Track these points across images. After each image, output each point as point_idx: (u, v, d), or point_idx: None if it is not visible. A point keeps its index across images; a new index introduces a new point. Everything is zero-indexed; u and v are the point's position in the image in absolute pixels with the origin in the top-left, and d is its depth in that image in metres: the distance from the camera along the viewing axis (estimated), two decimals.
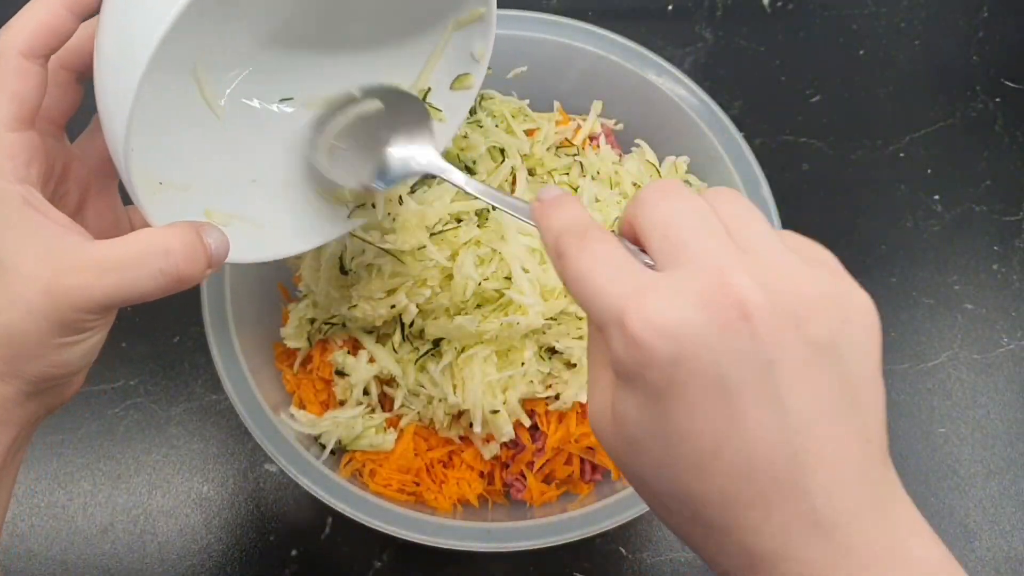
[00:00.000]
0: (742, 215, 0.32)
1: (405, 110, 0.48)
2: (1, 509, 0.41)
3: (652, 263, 0.32)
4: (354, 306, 0.58)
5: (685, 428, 0.29)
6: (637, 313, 0.29)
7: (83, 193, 0.43)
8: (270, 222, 0.48)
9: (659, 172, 0.66)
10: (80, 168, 0.43)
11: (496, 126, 0.64)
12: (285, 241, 0.49)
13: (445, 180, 0.45)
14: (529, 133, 0.66)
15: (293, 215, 0.49)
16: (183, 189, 0.44)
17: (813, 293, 0.30)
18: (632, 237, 0.33)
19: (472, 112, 0.65)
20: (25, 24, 0.36)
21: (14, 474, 0.41)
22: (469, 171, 0.61)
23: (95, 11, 0.38)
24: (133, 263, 0.36)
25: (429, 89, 0.52)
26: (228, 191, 0.47)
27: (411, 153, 0.47)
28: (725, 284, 0.29)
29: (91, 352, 0.39)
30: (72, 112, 0.42)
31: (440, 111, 0.52)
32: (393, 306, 0.57)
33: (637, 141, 0.68)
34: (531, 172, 0.63)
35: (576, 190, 0.61)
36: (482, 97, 0.66)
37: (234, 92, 0.48)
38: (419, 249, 0.56)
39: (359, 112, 0.48)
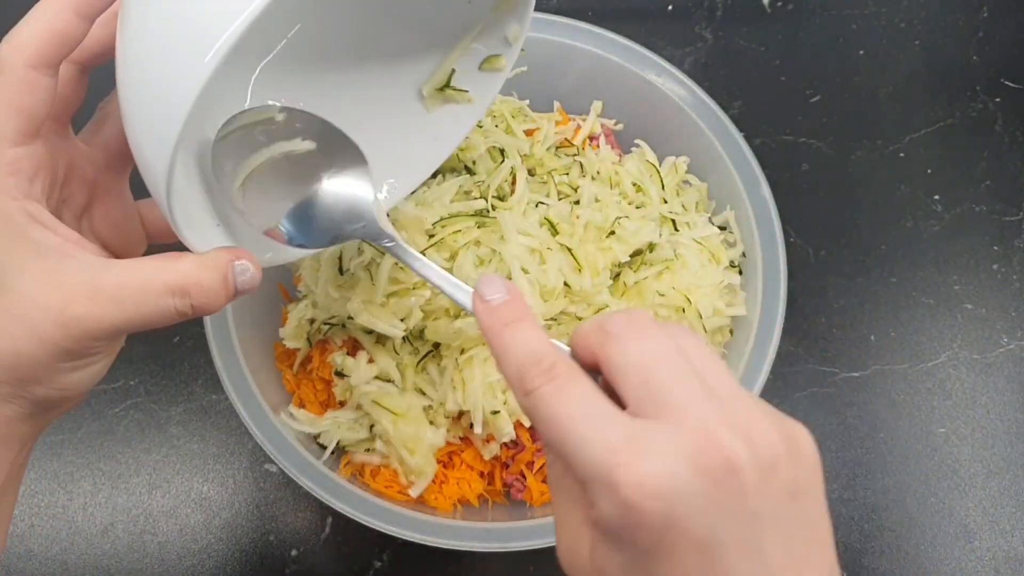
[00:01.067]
0: (707, 358, 0.32)
1: (340, 154, 0.42)
2: (6, 519, 0.41)
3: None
4: (351, 318, 0.58)
5: None
6: (629, 475, 0.28)
7: (90, 192, 0.41)
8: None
9: (659, 172, 0.66)
10: (86, 165, 0.41)
11: (496, 126, 0.64)
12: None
13: (387, 251, 0.41)
14: (529, 133, 0.66)
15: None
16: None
17: (777, 438, 0.30)
18: (592, 364, 0.33)
19: None
20: (33, 33, 0.34)
21: (17, 486, 0.41)
22: (469, 171, 0.61)
23: (104, 9, 0.35)
24: (149, 299, 0.34)
25: (453, 72, 0.49)
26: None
27: (347, 209, 0.41)
28: (713, 442, 0.29)
29: (96, 376, 0.38)
30: (78, 106, 0.40)
31: (467, 92, 0.50)
32: (403, 319, 0.57)
33: (637, 141, 0.68)
34: (531, 172, 0.63)
35: (576, 190, 0.61)
36: None
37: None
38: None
39: (286, 150, 0.42)
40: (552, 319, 0.57)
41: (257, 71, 0.43)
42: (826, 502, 0.32)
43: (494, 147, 0.61)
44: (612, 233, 0.59)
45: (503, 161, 0.61)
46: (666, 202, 0.65)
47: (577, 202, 0.60)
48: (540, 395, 0.32)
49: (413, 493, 0.59)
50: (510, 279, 0.56)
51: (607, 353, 0.32)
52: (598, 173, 0.63)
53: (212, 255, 0.36)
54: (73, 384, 0.37)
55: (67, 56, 0.35)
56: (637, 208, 0.63)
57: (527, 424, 0.60)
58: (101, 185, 0.41)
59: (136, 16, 0.33)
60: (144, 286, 0.34)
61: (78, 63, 0.38)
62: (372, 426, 0.60)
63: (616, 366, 0.32)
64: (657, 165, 0.66)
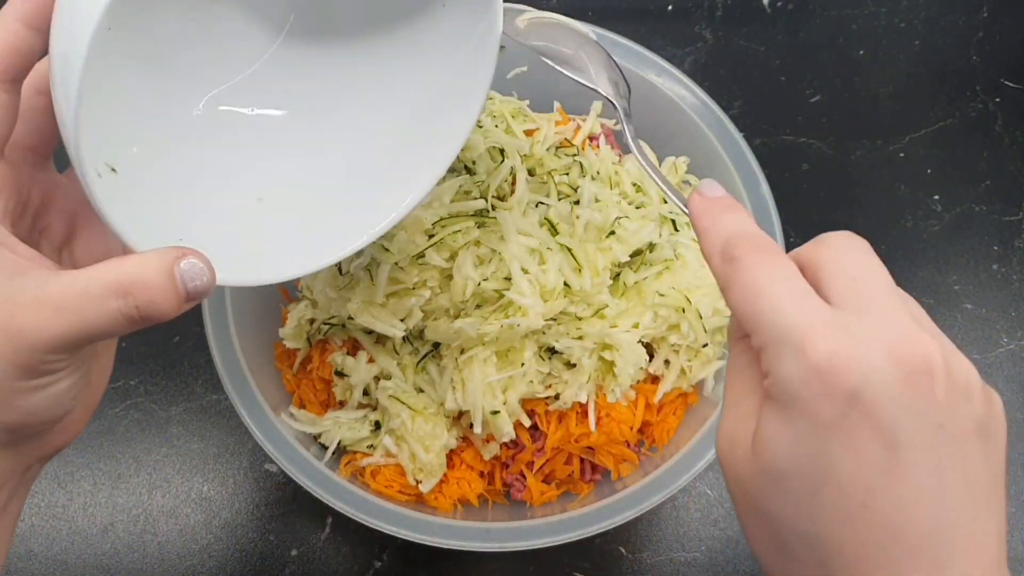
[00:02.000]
0: (919, 308, 0.32)
1: None
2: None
3: None
4: (351, 318, 0.58)
5: (841, 470, 0.28)
6: (824, 341, 0.28)
7: (70, 225, 0.39)
8: (262, 239, 0.42)
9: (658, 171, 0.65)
10: (65, 199, 0.39)
11: (496, 126, 0.64)
12: (281, 262, 0.42)
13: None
14: (529, 133, 0.66)
15: (290, 233, 0.43)
16: (151, 191, 0.38)
17: (975, 375, 0.30)
18: (803, 269, 0.32)
19: None
20: None
21: (9, 528, 0.38)
22: (469, 171, 0.61)
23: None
24: (90, 303, 0.31)
25: None
26: (210, 205, 0.41)
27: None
28: (914, 340, 0.28)
29: (59, 399, 0.34)
30: (57, 140, 0.37)
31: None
32: (403, 319, 0.57)
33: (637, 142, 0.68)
34: (531, 172, 0.63)
35: (576, 190, 0.61)
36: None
37: (215, 96, 0.43)
38: (417, 257, 0.55)
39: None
40: (552, 319, 0.57)
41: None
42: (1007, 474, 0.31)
43: (494, 147, 0.61)
44: (612, 233, 0.59)
45: (503, 161, 0.61)
46: (666, 202, 0.65)
47: (577, 202, 0.60)
48: (744, 261, 0.31)
49: (424, 490, 0.59)
50: (509, 279, 0.56)
51: (820, 255, 0.31)
52: (598, 173, 0.63)
53: (155, 252, 0.33)
54: (38, 408, 0.33)
55: (23, 69, 0.34)
56: (637, 208, 0.63)
57: (527, 424, 0.60)
58: (82, 219, 0.39)
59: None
60: (84, 290, 0.31)
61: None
62: (376, 425, 0.60)
63: (826, 266, 0.31)
64: (657, 165, 0.66)
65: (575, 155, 0.64)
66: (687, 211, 0.36)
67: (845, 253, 0.31)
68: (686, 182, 0.67)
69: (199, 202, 0.41)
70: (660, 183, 0.41)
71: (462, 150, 0.60)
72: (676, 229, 0.63)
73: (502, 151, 0.61)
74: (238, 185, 0.43)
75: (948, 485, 0.28)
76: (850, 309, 0.30)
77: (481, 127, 0.63)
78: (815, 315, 0.29)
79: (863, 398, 0.28)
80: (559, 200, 0.60)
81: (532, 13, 0.48)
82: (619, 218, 0.59)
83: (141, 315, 0.32)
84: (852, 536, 0.28)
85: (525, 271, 0.56)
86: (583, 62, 0.48)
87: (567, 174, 0.63)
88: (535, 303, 0.55)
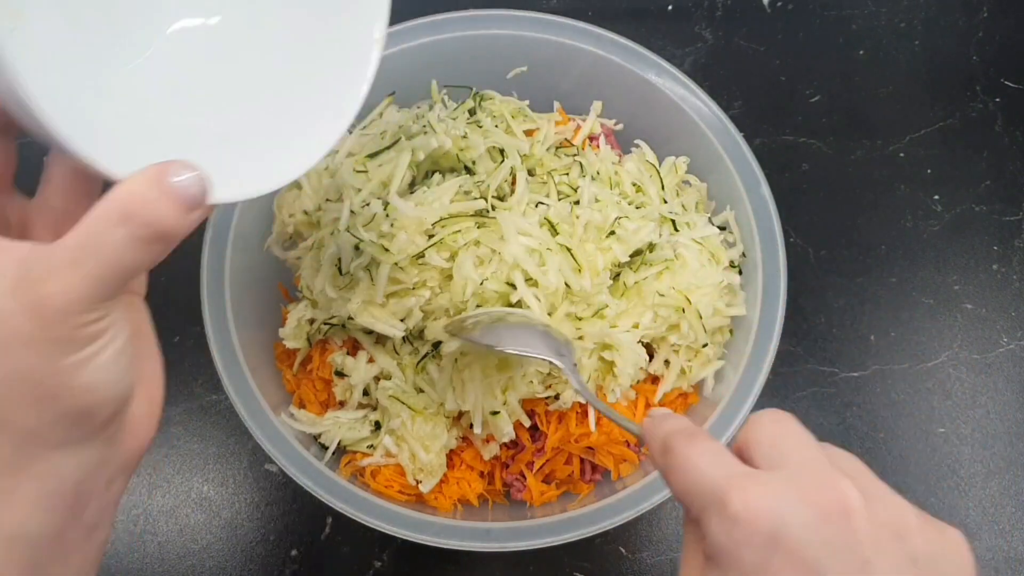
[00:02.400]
0: (854, 460, 0.33)
1: None
2: None
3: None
4: (351, 318, 0.58)
5: None
6: (740, 493, 0.30)
7: (57, 232, 0.36)
8: (223, 158, 0.39)
9: (659, 172, 0.65)
10: (46, 211, 0.38)
11: (496, 126, 0.64)
12: (268, 170, 0.40)
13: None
14: (529, 133, 0.66)
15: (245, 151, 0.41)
16: (113, 119, 0.37)
17: (912, 517, 0.30)
18: (740, 456, 0.34)
19: (472, 112, 0.65)
20: None
21: (96, 556, 0.35)
22: (469, 171, 0.61)
23: None
24: (99, 242, 0.30)
25: None
26: (168, 127, 0.40)
27: None
28: (828, 483, 0.30)
29: (110, 369, 0.32)
30: (12, 171, 0.36)
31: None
32: (403, 319, 0.57)
33: (637, 141, 0.68)
34: (531, 172, 0.63)
35: (576, 190, 0.61)
36: (482, 97, 0.66)
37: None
38: (417, 257, 0.55)
39: None
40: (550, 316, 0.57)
41: None
42: None
43: (494, 147, 0.61)
44: (612, 233, 0.59)
45: (503, 161, 0.61)
46: (666, 202, 0.65)
47: (577, 202, 0.60)
48: (677, 449, 0.34)
49: (424, 490, 0.59)
50: (511, 284, 0.55)
51: (748, 433, 0.34)
52: (598, 173, 0.63)
53: (139, 172, 0.32)
54: (94, 384, 0.31)
55: None
56: (637, 208, 0.63)
57: (527, 424, 0.60)
58: (68, 222, 0.37)
59: None
60: (88, 233, 0.30)
61: None
62: (376, 425, 0.60)
63: (752, 438, 0.33)
64: (657, 165, 0.66)
65: (575, 155, 0.64)
66: (639, 435, 0.39)
67: (768, 424, 0.33)
68: (686, 182, 0.67)
69: (159, 125, 0.40)
70: (605, 413, 0.45)
71: (461, 150, 0.60)
72: (676, 229, 0.63)
73: (502, 151, 0.61)
74: (189, 103, 0.42)
75: None
76: (770, 467, 0.32)
77: (481, 127, 0.63)
78: (734, 474, 0.31)
79: (783, 540, 0.29)
80: (559, 200, 0.60)
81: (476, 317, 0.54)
82: (619, 218, 0.59)
83: (151, 233, 0.31)
84: None
85: (527, 276, 0.56)
86: (524, 339, 0.52)
87: (567, 174, 0.63)
88: (535, 305, 0.55)
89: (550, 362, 0.51)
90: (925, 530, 0.30)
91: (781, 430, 0.33)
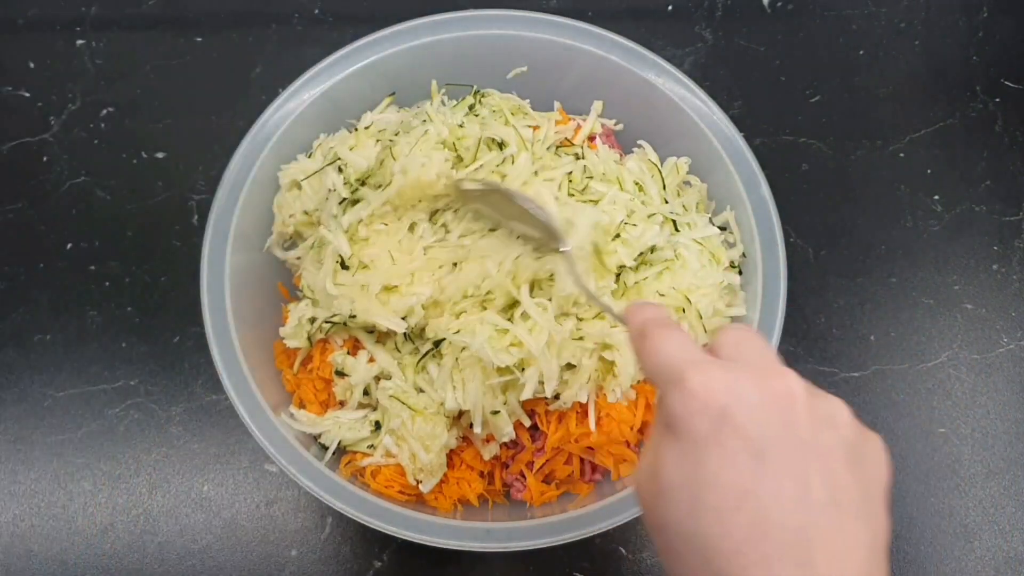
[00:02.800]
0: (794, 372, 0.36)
1: None
2: None
3: None
4: (352, 316, 0.58)
5: (715, 477, 0.32)
6: (697, 373, 0.33)
7: None
8: None
9: (660, 172, 0.65)
10: None
11: (494, 120, 0.64)
12: None
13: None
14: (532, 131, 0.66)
15: None
16: None
17: (845, 415, 0.35)
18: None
19: (470, 108, 0.65)
20: None
21: None
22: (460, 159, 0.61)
23: None
24: None
25: None
26: None
27: None
28: (777, 375, 0.34)
29: None
30: None
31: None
32: (404, 317, 0.57)
33: (640, 142, 0.68)
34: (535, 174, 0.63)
35: (583, 190, 0.61)
36: (482, 95, 0.66)
37: None
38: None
39: None
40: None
41: None
42: (888, 515, 0.34)
43: (492, 140, 0.61)
44: (617, 236, 0.59)
45: (501, 150, 0.61)
46: (667, 202, 0.65)
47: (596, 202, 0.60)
48: (651, 333, 0.37)
49: (424, 490, 0.59)
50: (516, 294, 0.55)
51: (717, 337, 0.38)
52: (603, 174, 0.63)
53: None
54: None
55: None
56: (643, 204, 0.63)
57: (527, 424, 0.60)
58: None
59: None
60: None
61: None
62: (376, 425, 0.60)
63: (718, 341, 0.37)
64: (659, 165, 0.66)
65: (579, 156, 0.64)
66: (621, 320, 0.42)
67: (734, 331, 0.38)
68: (687, 183, 0.67)
69: None
70: (597, 301, 0.48)
71: (458, 139, 0.60)
72: (676, 229, 0.63)
73: (500, 145, 0.61)
74: None
75: (812, 491, 0.32)
76: (730, 358, 0.36)
77: (478, 116, 0.63)
78: (696, 358, 0.35)
79: (732, 415, 0.32)
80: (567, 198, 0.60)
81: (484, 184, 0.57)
82: (623, 222, 0.59)
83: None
84: (728, 534, 0.32)
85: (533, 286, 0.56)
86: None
87: (571, 180, 0.63)
88: (539, 342, 0.55)
89: (552, 234, 0.52)
90: (855, 427, 0.34)
91: (745, 336, 0.37)
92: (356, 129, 0.65)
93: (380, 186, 0.58)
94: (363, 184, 0.60)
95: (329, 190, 0.60)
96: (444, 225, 0.60)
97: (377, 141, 0.62)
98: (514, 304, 0.57)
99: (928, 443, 0.73)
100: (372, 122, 0.65)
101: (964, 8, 0.90)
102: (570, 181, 0.60)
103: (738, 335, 0.37)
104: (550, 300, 0.56)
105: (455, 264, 0.58)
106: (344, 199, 0.59)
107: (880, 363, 0.75)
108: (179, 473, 0.71)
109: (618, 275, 0.60)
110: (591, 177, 0.63)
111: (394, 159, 0.58)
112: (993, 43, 0.88)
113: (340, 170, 0.60)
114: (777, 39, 0.88)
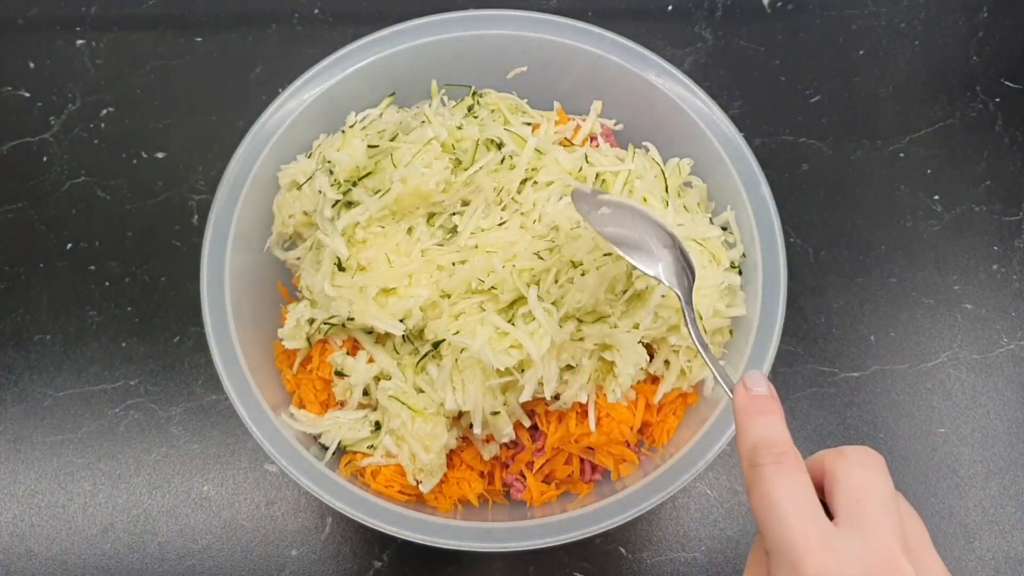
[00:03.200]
0: (918, 525, 0.36)
1: None
2: None
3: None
4: (351, 318, 0.58)
5: None
6: (813, 562, 0.33)
7: None
8: None
9: (663, 171, 0.65)
10: None
11: (493, 122, 0.64)
12: None
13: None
14: (533, 129, 0.66)
15: None
16: None
17: None
18: (818, 477, 0.38)
19: (469, 109, 0.65)
20: None
21: None
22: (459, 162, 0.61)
23: None
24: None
25: None
26: None
27: None
28: (892, 568, 0.33)
29: None
30: None
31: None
32: (402, 319, 0.57)
33: (645, 143, 0.68)
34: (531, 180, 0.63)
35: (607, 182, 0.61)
36: (480, 95, 0.66)
37: None
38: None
39: None
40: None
41: None
42: None
43: (490, 140, 0.61)
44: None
45: (501, 150, 0.61)
46: (668, 204, 0.65)
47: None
48: (764, 471, 0.37)
49: (424, 490, 0.59)
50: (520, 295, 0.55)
51: (836, 467, 0.37)
52: (604, 182, 0.63)
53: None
54: None
55: None
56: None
57: (527, 424, 0.60)
58: None
59: None
60: None
61: None
62: (376, 425, 0.60)
63: (839, 479, 0.37)
64: (662, 165, 0.66)
65: (587, 157, 0.64)
66: (731, 396, 0.42)
67: (858, 470, 0.37)
68: (688, 183, 0.67)
69: None
70: (714, 370, 0.47)
71: (457, 140, 0.60)
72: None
73: (499, 145, 0.61)
74: None
75: None
76: (846, 527, 0.35)
77: (477, 118, 0.63)
78: (811, 534, 0.34)
79: None
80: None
81: (612, 198, 0.55)
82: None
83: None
84: None
85: (542, 299, 0.56)
86: (647, 245, 0.53)
87: (577, 171, 0.63)
88: (544, 318, 0.55)
89: (662, 282, 0.51)
90: None
91: (868, 482, 0.36)
92: (344, 131, 0.65)
93: (378, 191, 0.58)
94: (354, 185, 0.60)
95: (319, 192, 0.60)
96: (443, 226, 0.60)
97: (365, 136, 0.62)
98: (514, 304, 0.57)
99: (928, 443, 0.73)
100: (355, 121, 0.65)
101: (964, 8, 0.90)
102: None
103: (861, 478, 0.36)
104: (554, 303, 0.56)
105: (454, 264, 0.58)
106: (337, 201, 0.59)
107: (880, 363, 0.75)
108: (179, 473, 0.71)
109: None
110: (604, 181, 0.63)
111: (395, 166, 0.58)
112: (993, 43, 0.88)
113: (331, 172, 0.60)
114: (777, 39, 0.88)
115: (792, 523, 0.35)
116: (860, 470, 0.37)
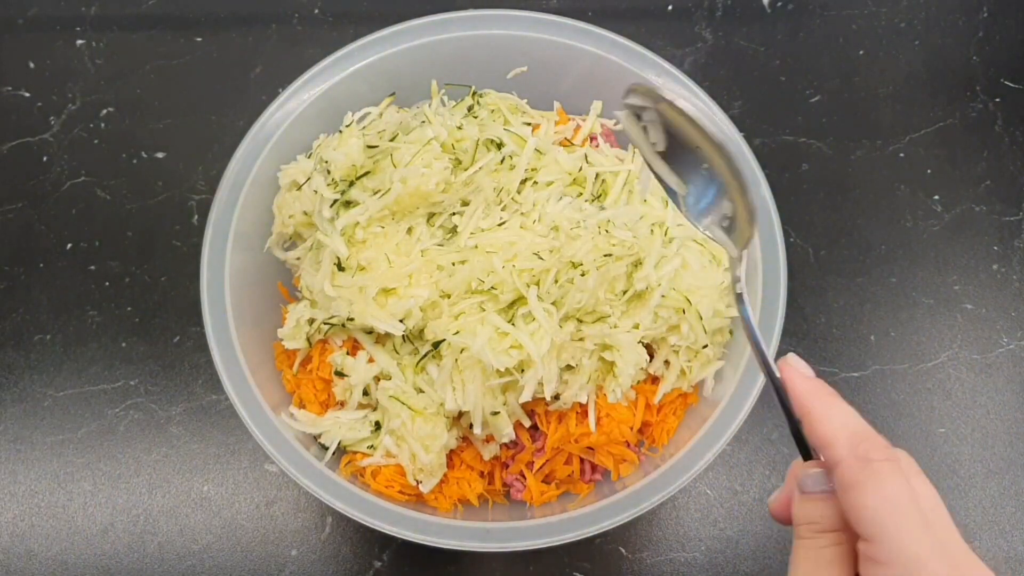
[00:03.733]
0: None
1: None
2: None
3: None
4: (351, 319, 0.58)
5: None
6: None
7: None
8: None
9: None
10: None
11: (493, 122, 0.64)
12: None
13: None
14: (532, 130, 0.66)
15: None
16: None
17: None
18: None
19: (469, 109, 0.65)
20: None
21: None
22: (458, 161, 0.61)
23: None
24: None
25: None
26: None
27: None
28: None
29: None
30: None
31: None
32: (402, 319, 0.57)
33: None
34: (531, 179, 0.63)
35: (599, 196, 0.61)
36: (480, 96, 0.66)
37: None
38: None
39: None
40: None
41: None
42: None
43: (490, 140, 0.61)
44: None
45: (501, 150, 0.61)
46: (668, 204, 0.65)
47: (600, 200, 0.60)
48: (881, 469, 0.36)
49: (424, 490, 0.59)
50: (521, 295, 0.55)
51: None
52: (603, 183, 0.63)
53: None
54: None
55: None
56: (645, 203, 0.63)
57: (527, 424, 0.60)
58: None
59: None
60: None
61: None
62: (376, 425, 0.60)
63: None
64: None
65: (587, 157, 0.64)
66: (777, 375, 0.41)
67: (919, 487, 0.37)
68: None
69: None
70: (760, 348, 0.44)
71: (457, 140, 0.60)
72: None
73: (499, 145, 0.61)
74: None
75: None
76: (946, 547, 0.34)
77: (476, 118, 0.63)
78: (932, 551, 0.33)
79: None
80: (577, 197, 0.60)
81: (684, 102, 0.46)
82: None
83: None
84: None
85: (541, 299, 0.56)
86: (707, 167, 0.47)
87: (577, 171, 0.63)
88: (544, 317, 0.55)
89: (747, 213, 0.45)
90: None
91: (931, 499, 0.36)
92: (341, 131, 0.65)
93: (378, 191, 0.58)
94: (351, 184, 0.60)
95: (314, 191, 0.60)
96: (443, 226, 0.60)
97: (363, 135, 0.62)
98: (514, 304, 0.57)
99: (928, 443, 0.73)
100: (351, 120, 0.65)
101: (964, 8, 0.90)
102: (576, 184, 0.60)
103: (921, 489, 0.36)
104: (554, 304, 0.56)
105: (454, 264, 0.58)
106: (335, 200, 0.59)
107: (880, 363, 0.75)
108: (179, 473, 0.71)
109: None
110: (604, 181, 0.63)
111: (394, 166, 0.58)
112: (993, 43, 0.88)
113: (328, 172, 0.60)
114: (777, 39, 0.88)
115: (917, 534, 0.34)
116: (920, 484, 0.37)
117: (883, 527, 0.34)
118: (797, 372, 0.41)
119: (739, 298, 0.45)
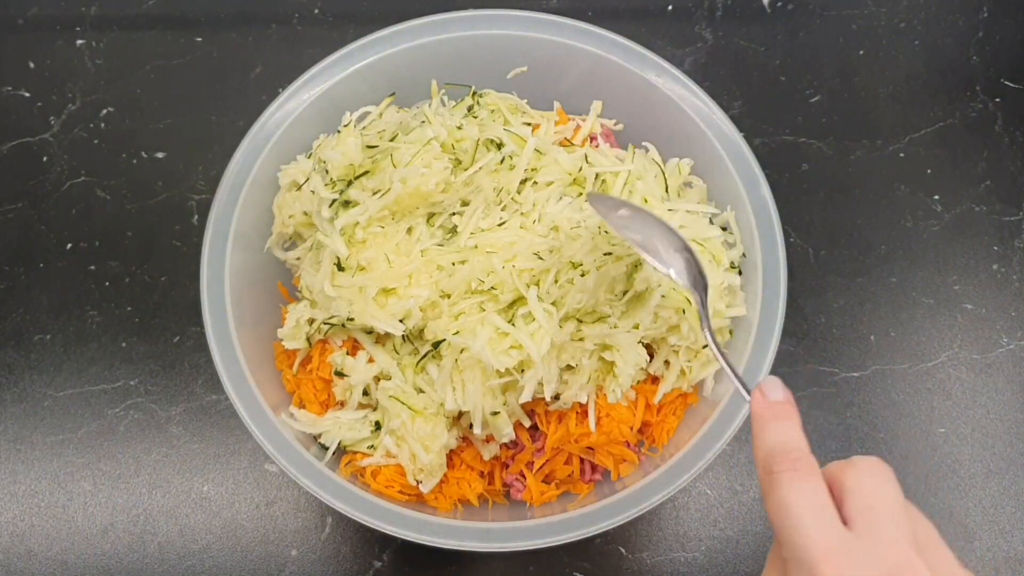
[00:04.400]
0: (928, 527, 0.37)
1: None
2: None
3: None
4: (351, 319, 0.58)
5: None
6: (832, 569, 0.34)
7: None
8: None
9: (663, 172, 0.65)
10: None
11: (493, 122, 0.64)
12: None
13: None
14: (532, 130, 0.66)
15: None
16: None
17: None
18: (829, 479, 0.38)
19: (469, 109, 0.65)
20: None
21: None
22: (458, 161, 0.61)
23: None
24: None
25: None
26: None
27: None
28: (908, 568, 0.34)
29: None
30: None
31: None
32: (402, 319, 0.57)
33: (645, 144, 0.68)
34: (533, 181, 0.63)
35: (581, 195, 0.61)
36: (480, 96, 0.66)
37: None
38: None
39: None
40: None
41: None
42: None
43: (490, 140, 0.61)
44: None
45: (500, 151, 0.61)
46: (667, 204, 0.65)
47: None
48: (779, 478, 0.37)
49: (424, 490, 0.59)
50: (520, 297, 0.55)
51: (847, 476, 0.38)
52: (603, 183, 0.63)
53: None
54: None
55: None
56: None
57: (527, 424, 0.60)
58: None
59: None
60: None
61: None
62: (376, 425, 0.60)
63: (851, 488, 0.37)
64: (662, 165, 0.66)
65: (586, 157, 0.64)
66: (748, 400, 0.43)
67: (868, 478, 0.37)
68: (688, 184, 0.67)
69: None
70: (730, 373, 0.47)
71: (457, 140, 0.60)
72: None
73: (499, 145, 0.61)
74: None
75: None
76: (861, 533, 0.35)
77: (476, 118, 0.63)
78: (828, 541, 0.35)
79: None
80: (578, 197, 0.60)
81: (630, 208, 0.54)
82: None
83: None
84: None
85: (541, 299, 0.56)
86: (658, 250, 0.52)
87: (577, 171, 0.63)
88: (545, 319, 0.55)
89: (683, 288, 0.51)
90: None
91: (878, 491, 0.37)
92: (339, 131, 0.65)
93: (378, 191, 0.58)
94: (349, 184, 0.60)
95: (311, 192, 0.60)
96: (443, 226, 0.60)
97: (361, 134, 0.62)
98: (514, 304, 0.57)
99: (928, 443, 0.73)
100: (350, 120, 0.65)
101: (964, 8, 0.90)
102: (577, 184, 0.60)
103: (871, 485, 0.37)
104: (554, 304, 0.56)
105: (454, 264, 0.58)
106: (334, 200, 0.59)
107: (880, 363, 0.75)
108: (179, 473, 0.71)
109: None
110: (604, 181, 0.63)
111: (394, 166, 0.58)
112: (993, 43, 0.88)
113: (326, 171, 0.60)
114: (777, 39, 0.88)
115: (809, 530, 0.35)
116: (870, 478, 0.37)
117: (780, 528, 0.36)
118: (759, 396, 0.42)
119: (720, 353, 0.49)
